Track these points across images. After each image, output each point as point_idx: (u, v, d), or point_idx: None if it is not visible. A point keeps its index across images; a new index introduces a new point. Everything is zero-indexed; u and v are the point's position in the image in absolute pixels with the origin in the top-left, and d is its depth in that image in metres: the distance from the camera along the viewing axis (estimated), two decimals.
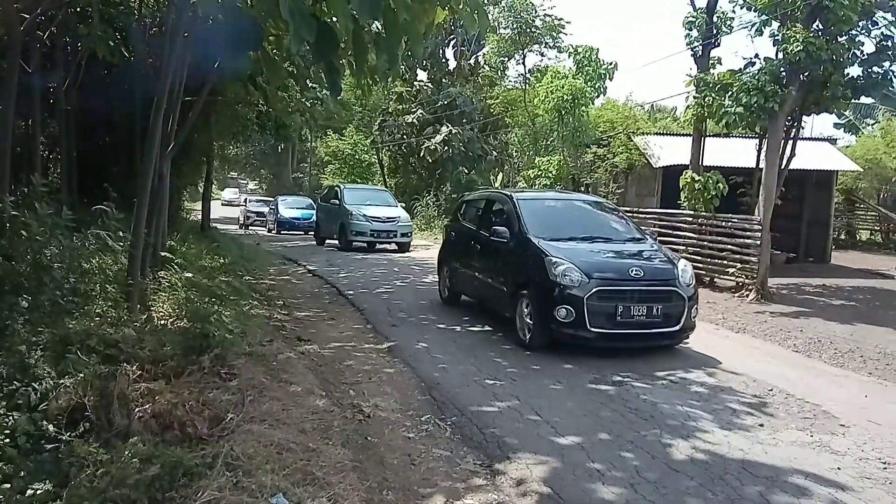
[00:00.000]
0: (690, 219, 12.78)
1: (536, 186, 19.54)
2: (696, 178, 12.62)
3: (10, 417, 3.29)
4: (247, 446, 3.60)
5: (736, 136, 16.53)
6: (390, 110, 30.19)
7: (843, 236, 23.46)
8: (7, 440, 3.14)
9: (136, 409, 3.70)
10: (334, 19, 3.51)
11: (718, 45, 14.29)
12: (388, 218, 18.07)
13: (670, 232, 12.88)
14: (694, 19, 13.89)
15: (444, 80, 30.36)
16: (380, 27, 4.17)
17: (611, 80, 19.65)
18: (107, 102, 10.58)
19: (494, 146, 28.85)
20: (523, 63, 29.17)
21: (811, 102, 12.07)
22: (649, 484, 3.86)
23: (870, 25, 11.93)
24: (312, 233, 23.93)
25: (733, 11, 13.83)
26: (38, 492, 2.87)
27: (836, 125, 26.06)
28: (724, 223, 12.05)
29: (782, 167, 11.94)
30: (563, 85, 18.56)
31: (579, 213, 8.61)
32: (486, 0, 19.73)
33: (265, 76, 8.33)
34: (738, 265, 11.44)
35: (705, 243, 12.43)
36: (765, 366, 6.87)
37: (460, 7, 4.54)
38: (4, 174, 6.07)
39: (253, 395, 4.52)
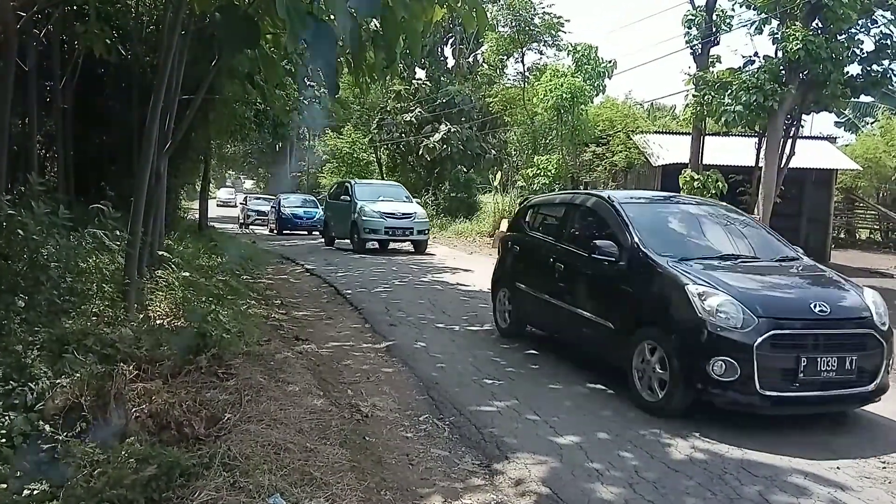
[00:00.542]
0: None
1: (536, 185, 19.54)
2: (696, 176, 12.64)
3: (7, 417, 3.28)
4: (244, 446, 3.58)
5: (735, 135, 16.55)
6: (388, 109, 30.16)
7: (842, 235, 23.51)
8: (3, 440, 3.13)
9: (133, 409, 3.69)
10: (332, 17, 3.50)
11: (718, 43, 14.33)
12: (403, 214, 16.80)
13: None
14: (693, 17, 13.91)
15: (442, 78, 30.37)
16: (378, 25, 4.16)
17: (610, 78, 19.66)
18: (104, 101, 10.59)
19: (493, 145, 28.85)
20: (522, 61, 29.18)
21: (810, 101, 12.09)
22: (648, 483, 3.85)
23: (869, 24, 11.96)
24: (316, 232, 23.50)
25: (733, 9, 13.87)
26: (35, 492, 2.86)
27: (836, 124, 26.22)
28: None
29: (782, 166, 11.95)
30: (562, 83, 18.55)
31: (705, 223, 6.32)
32: None
33: (263, 74, 8.32)
34: None
35: None
36: None
37: (459, 5, 4.52)
38: (1, 173, 6.05)
39: (250, 394, 4.50)
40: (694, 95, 13.29)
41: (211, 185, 23.50)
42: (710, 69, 13.46)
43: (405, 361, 6.44)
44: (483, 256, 17.38)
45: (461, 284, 11.61)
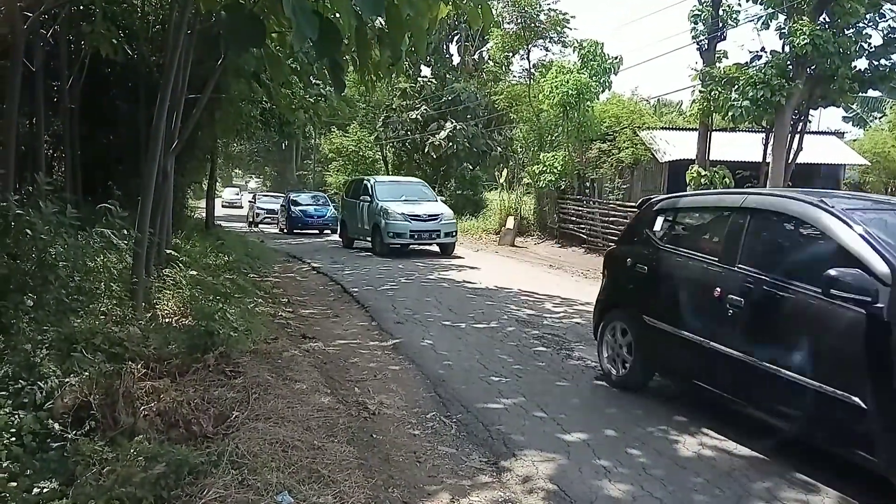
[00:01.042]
0: None
1: (542, 182, 19.51)
2: (703, 172, 12.59)
3: (17, 416, 3.30)
4: (252, 444, 3.60)
5: (742, 131, 16.47)
6: (394, 106, 30.16)
7: None
8: (13, 439, 3.14)
9: (142, 408, 3.71)
10: (337, 16, 3.50)
11: (724, 38, 14.26)
12: (429, 216, 15.58)
13: None
14: (700, 13, 13.85)
15: (448, 75, 30.33)
16: (383, 23, 4.16)
17: (616, 74, 19.57)
18: (111, 100, 10.63)
19: (499, 142, 28.80)
20: (528, 58, 29.14)
21: (818, 96, 12.03)
22: (656, 480, 3.85)
23: (877, 18, 11.88)
24: (328, 231, 23.21)
25: (739, 4, 13.87)
26: (45, 490, 2.87)
27: (844, 119, 26.03)
28: None
29: (789, 161, 11.90)
30: (568, 80, 18.51)
31: None
32: None
33: (269, 73, 8.33)
34: None
35: None
36: None
37: (464, 2, 4.52)
38: (9, 173, 6.08)
39: (258, 392, 4.52)
40: (700, 91, 13.25)
41: (217, 183, 23.42)
42: (717, 65, 13.41)
43: (412, 359, 6.44)
44: (489, 254, 17.37)
45: (467, 282, 11.60)
